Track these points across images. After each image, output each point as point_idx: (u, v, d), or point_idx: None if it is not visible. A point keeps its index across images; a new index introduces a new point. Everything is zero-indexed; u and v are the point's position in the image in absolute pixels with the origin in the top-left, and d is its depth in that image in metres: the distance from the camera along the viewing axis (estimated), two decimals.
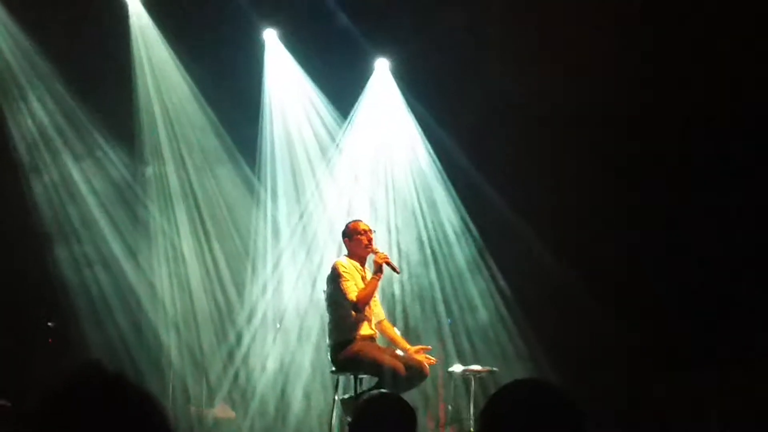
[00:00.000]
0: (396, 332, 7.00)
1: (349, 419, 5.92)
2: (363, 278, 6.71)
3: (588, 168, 8.74)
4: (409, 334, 9.01)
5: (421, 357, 6.57)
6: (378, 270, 6.59)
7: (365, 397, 4.59)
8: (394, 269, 6.72)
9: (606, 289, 8.57)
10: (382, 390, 5.75)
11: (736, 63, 8.13)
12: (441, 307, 9.24)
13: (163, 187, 9.31)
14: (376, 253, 6.69)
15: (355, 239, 6.81)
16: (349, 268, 6.68)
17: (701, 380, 7.91)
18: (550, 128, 8.77)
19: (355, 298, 6.50)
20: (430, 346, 7.00)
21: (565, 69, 8.48)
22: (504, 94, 8.73)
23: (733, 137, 8.31)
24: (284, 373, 9.09)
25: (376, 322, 6.87)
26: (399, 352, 6.72)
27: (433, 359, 6.69)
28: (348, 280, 6.57)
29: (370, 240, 6.80)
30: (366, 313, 6.66)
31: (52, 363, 7.83)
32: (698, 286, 8.30)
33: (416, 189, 9.60)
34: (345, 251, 6.95)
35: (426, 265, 9.34)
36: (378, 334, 6.85)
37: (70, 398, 1.67)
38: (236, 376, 9.09)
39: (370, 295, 6.60)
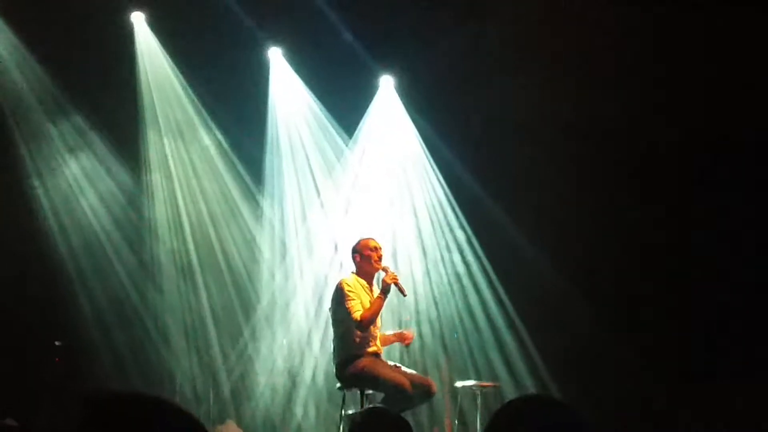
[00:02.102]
0: (386, 333, 7.05)
1: None
2: (371, 295, 6.70)
3: (591, 180, 8.77)
4: (417, 349, 9.04)
5: (407, 333, 6.94)
6: (386, 290, 6.58)
7: (359, 412, 4.58)
8: (401, 291, 6.67)
9: (610, 302, 8.57)
10: (378, 405, 5.74)
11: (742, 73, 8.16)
12: (446, 322, 9.25)
13: (171, 209, 9.35)
14: (386, 271, 6.66)
15: (366, 255, 6.77)
16: (355, 286, 6.65)
17: (705, 392, 7.89)
18: (554, 143, 8.79)
19: (359, 318, 6.46)
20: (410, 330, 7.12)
21: (569, 83, 8.52)
22: (509, 109, 8.75)
23: (738, 145, 8.32)
24: (292, 390, 9.09)
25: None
26: (405, 369, 6.73)
27: (412, 331, 7.11)
28: (353, 299, 6.54)
29: (380, 257, 6.79)
30: (371, 331, 6.66)
31: (59, 382, 7.85)
32: (701, 297, 8.29)
33: (421, 204, 9.61)
34: (352, 268, 6.94)
35: (430, 280, 9.34)
36: (383, 351, 6.86)
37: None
38: (243, 392, 9.10)
39: (376, 315, 6.56)
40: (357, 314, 6.47)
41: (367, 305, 6.56)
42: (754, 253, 8.30)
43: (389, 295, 6.59)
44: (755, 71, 8.11)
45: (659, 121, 8.53)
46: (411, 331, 7.08)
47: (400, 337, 6.96)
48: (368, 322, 6.51)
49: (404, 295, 6.81)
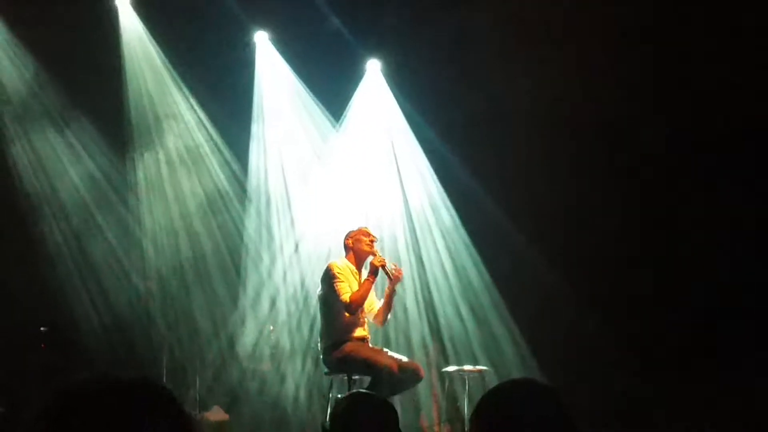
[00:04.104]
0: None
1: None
2: (359, 281, 6.70)
3: (579, 170, 8.75)
4: (404, 334, 9.03)
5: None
6: (374, 272, 6.58)
7: (343, 397, 4.57)
8: (388, 275, 6.66)
9: (597, 288, 8.56)
10: (361, 390, 5.72)
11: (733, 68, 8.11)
12: (435, 308, 9.23)
13: (155, 194, 9.30)
14: (375, 254, 6.69)
15: (358, 240, 6.83)
16: (344, 269, 6.68)
17: (692, 381, 7.89)
18: (542, 131, 8.76)
19: (348, 299, 6.49)
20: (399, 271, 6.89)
21: (559, 71, 8.47)
22: (496, 95, 8.71)
23: (727, 141, 8.29)
24: (278, 375, 9.07)
25: (373, 315, 6.85)
26: (392, 353, 6.72)
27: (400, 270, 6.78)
28: (342, 281, 6.57)
29: (372, 242, 6.82)
30: (359, 316, 6.65)
31: (45, 368, 7.80)
32: (688, 287, 8.29)
33: (408, 188, 9.57)
34: (341, 253, 6.95)
35: (416, 264, 9.33)
36: (370, 336, 6.85)
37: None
38: (229, 378, 9.06)
39: (364, 297, 6.58)
40: (346, 296, 6.50)
41: (356, 289, 6.57)
42: (751, 248, 8.27)
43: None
44: (756, 69, 8.06)
45: (655, 115, 8.48)
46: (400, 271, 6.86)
47: (394, 283, 6.74)
48: (357, 304, 6.53)
49: (390, 280, 6.77)
